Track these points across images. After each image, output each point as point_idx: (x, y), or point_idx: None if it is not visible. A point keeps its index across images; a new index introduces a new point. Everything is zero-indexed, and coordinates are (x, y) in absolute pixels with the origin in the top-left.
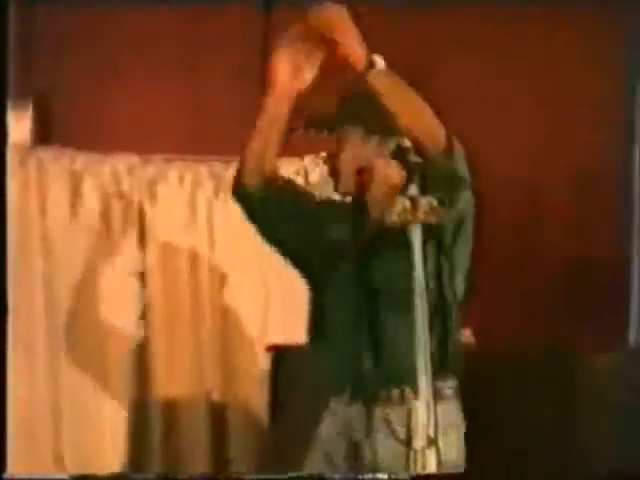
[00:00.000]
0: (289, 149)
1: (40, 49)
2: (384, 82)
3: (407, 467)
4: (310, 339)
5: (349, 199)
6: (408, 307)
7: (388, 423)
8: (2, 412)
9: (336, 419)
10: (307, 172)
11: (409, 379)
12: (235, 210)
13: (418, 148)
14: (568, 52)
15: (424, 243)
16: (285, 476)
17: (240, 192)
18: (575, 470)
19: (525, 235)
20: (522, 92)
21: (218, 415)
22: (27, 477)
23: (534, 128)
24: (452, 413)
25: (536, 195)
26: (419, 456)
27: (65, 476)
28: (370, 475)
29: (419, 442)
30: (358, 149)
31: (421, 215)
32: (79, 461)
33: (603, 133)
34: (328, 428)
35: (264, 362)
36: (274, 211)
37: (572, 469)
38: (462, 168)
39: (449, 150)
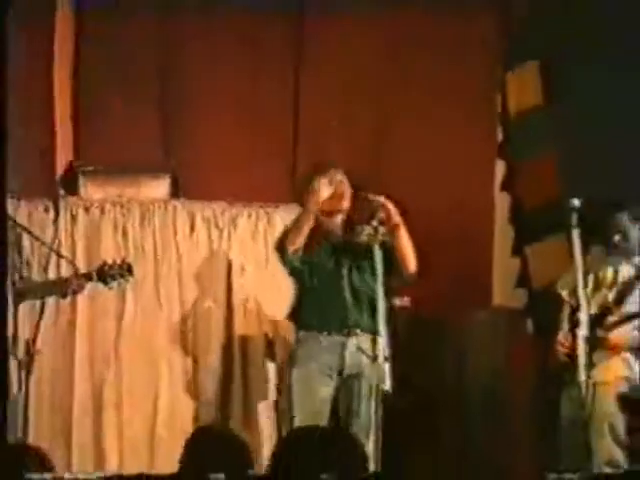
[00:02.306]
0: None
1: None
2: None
3: (373, 374)
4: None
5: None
6: (372, 284)
7: (360, 348)
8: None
9: (329, 341)
10: None
11: (375, 324)
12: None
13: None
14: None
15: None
16: None
17: (281, 251)
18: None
19: (435, 238)
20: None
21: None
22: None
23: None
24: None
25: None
26: (381, 367)
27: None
28: None
29: (381, 358)
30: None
31: (380, 237)
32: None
33: (476, 174)
34: (318, 347)
35: None
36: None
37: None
38: None
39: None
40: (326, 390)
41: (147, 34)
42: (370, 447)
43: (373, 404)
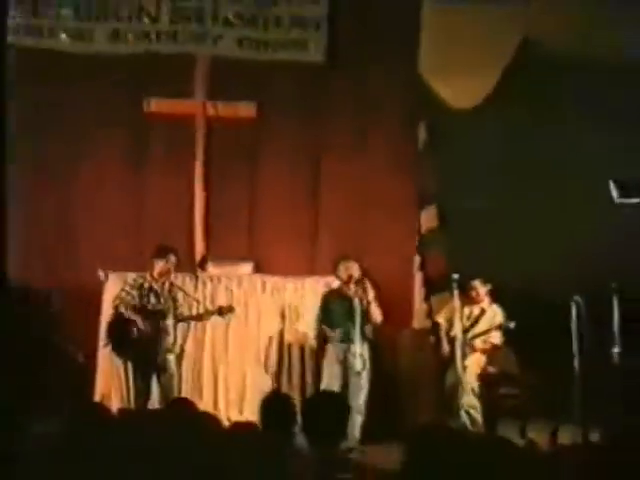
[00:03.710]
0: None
1: (254, 244)
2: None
3: (356, 362)
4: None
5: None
6: (355, 316)
7: (354, 349)
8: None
9: (340, 346)
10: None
11: (354, 339)
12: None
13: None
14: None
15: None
16: None
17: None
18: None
19: (387, 295)
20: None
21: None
22: None
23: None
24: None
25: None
26: (357, 357)
27: None
28: None
29: (357, 349)
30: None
31: (358, 294)
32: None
33: (405, 263)
34: (335, 350)
35: None
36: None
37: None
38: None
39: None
40: (338, 368)
41: (241, 182)
42: (362, 396)
43: (361, 376)
